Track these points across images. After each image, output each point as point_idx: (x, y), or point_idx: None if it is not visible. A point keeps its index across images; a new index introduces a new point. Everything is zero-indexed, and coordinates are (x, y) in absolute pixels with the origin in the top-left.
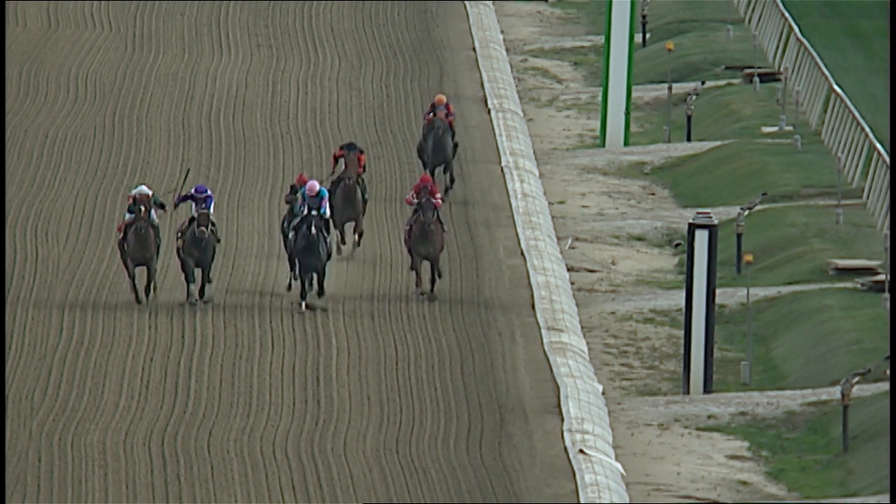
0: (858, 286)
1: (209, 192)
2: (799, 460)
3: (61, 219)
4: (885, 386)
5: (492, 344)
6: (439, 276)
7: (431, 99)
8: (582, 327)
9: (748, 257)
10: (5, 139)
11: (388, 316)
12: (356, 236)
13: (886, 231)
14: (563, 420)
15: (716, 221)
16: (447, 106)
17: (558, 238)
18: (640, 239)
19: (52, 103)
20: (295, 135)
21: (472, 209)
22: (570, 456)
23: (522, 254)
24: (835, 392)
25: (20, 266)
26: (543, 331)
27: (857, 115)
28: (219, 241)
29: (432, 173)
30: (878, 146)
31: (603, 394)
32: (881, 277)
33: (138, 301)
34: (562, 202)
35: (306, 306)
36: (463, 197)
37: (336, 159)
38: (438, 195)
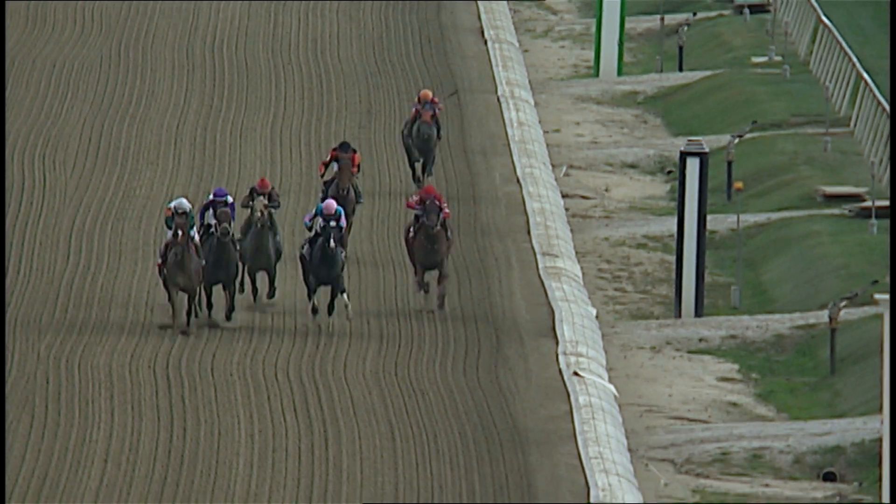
0: (846, 212)
1: (229, 195)
2: (787, 382)
3: (68, 147)
4: (872, 310)
5: (488, 269)
6: (444, 280)
7: (417, 93)
8: (576, 253)
9: (738, 184)
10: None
11: (388, 242)
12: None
13: (873, 158)
14: (557, 343)
15: (707, 149)
16: (433, 101)
17: (553, 165)
18: (633, 166)
19: (59, 34)
20: (296, 65)
21: (469, 138)
22: (565, 378)
23: (518, 181)
24: (823, 316)
25: (28, 193)
26: (539, 256)
27: (844, 45)
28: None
29: (413, 169)
30: (865, 76)
31: (597, 317)
32: (868, 204)
33: (177, 327)
34: (556, 130)
35: (315, 309)
36: (460, 126)
37: (326, 164)
38: (446, 204)
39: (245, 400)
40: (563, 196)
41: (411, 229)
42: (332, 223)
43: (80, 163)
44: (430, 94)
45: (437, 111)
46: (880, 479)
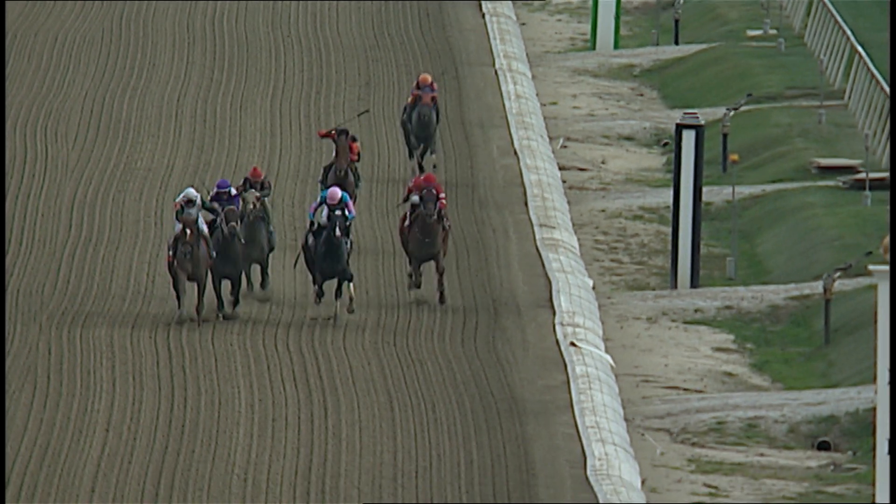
0: (840, 184)
1: (232, 187)
2: (782, 352)
3: (70, 119)
4: (866, 280)
5: (486, 240)
6: (441, 276)
7: (416, 77)
8: (573, 224)
9: (734, 156)
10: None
11: (386, 212)
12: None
13: (867, 131)
14: (554, 314)
15: (702, 122)
16: (432, 85)
17: (550, 138)
18: (629, 139)
19: (60, 7)
20: (296, 38)
21: (467, 110)
22: (562, 348)
23: (516, 153)
24: (817, 286)
25: (30, 165)
26: (536, 227)
27: (838, 18)
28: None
29: (411, 153)
30: (860, 49)
31: (593, 288)
32: (862, 176)
33: (180, 321)
34: (554, 103)
35: (320, 294)
36: (458, 99)
37: (324, 136)
38: (443, 195)
39: (245, 370)
40: (560, 168)
41: (407, 218)
42: (338, 212)
43: (81, 135)
44: (429, 77)
45: (434, 93)
46: (874, 448)
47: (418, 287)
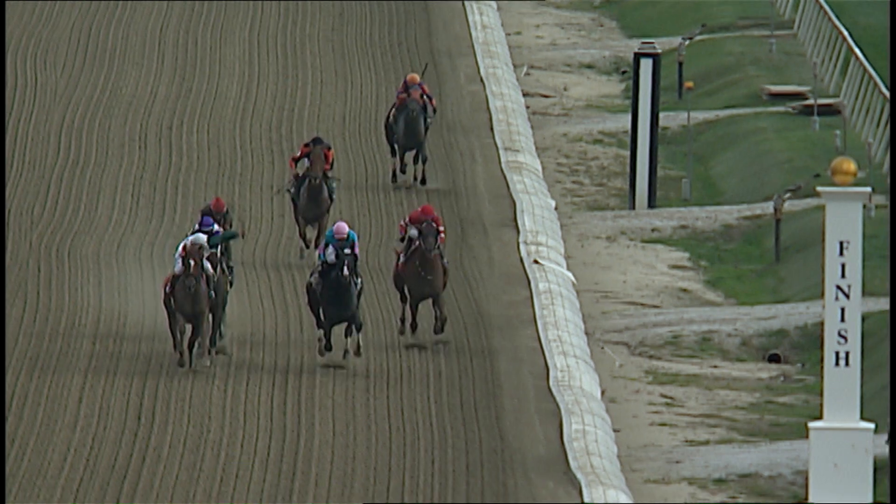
0: (790, 110)
1: (216, 225)
2: (735, 269)
3: (58, 48)
4: (815, 201)
5: (453, 163)
6: (443, 319)
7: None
8: (536, 148)
9: (689, 84)
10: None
11: (359, 135)
12: (321, 240)
13: (815, 59)
14: (518, 233)
15: (659, 51)
16: (421, 85)
17: (514, 66)
18: (589, 67)
19: None
20: None
21: (435, 40)
22: (526, 265)
23: (482, 80)
24: (768, 207)
25: (21, 91)
26: (501, 151)
27: None
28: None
29: (402, 157)
30: None
31: (555, 208)
32: (810, 102)
33: (181, 364)
34: (518, 33)
35: (326, 346)
36: (427, 29)
37: (297, 160)
38: (442, 228)
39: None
40: (524, 95)
41: (401, 256)
42: (347, 251)
43: (69, 63)
44: (416, 77)
45: (425, 93)
46: (822, 361)
47: (414, 330)
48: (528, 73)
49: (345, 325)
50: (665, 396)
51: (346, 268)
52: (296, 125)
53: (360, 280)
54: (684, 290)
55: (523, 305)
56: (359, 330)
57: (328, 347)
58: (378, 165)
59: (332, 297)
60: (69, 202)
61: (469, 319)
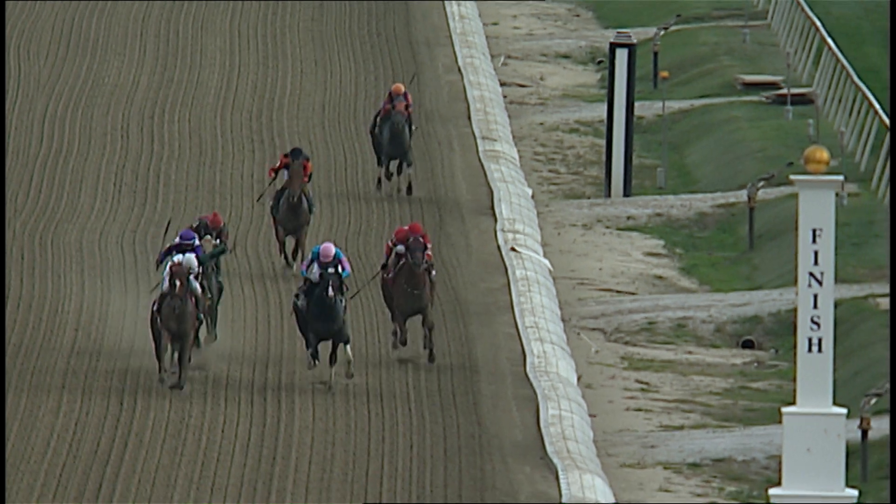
0: (763, 99)
1: (196, 239)
2: (709, 257)
3: (41, 38)
4: (788, 189)
5: (432, 152)
6: (430, 332)
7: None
8: (513, 137)
9: (664, 73)
10: None
11: (338, 124)
12: (297, 259)
13: (789, 49)
14: (496, 220)
15: (634, 41)
16: (405, 95)
17: (492, 56)
18: (566, 57)
19: None
20: None
21: (413, 30)
22: (503, 253)
23: (459, 70)
24: (742, 195)
25: (4, 81)
26: (479, 140)
27: None
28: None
29: (387, 166)
30: None
31: (532, 197)
32: (783, 91)
33: (161, 380)
34: (495, 23)
35: (314, 359)
36: (406, 19)
37: (276, 170)
38: (430, 244)
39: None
40: (501, 84)
41: (389, 271)
42: (331, 270)
43: (52, 53)
44: (402, 87)
45: (410, 104)
46: (795, 347)
47: (404, 344)
48: (505, 63)
49: (331, 343)
50: (640, 382)
51: (330, 287)
52: (276, 114)
53: (345, 299)
54: (659, 278)
55: (500, 292)
56: (346, 343)
57: (315, 357)
58: (357, 154)
59: (318, 314)
60: (52, 191)
61: (447, 306)
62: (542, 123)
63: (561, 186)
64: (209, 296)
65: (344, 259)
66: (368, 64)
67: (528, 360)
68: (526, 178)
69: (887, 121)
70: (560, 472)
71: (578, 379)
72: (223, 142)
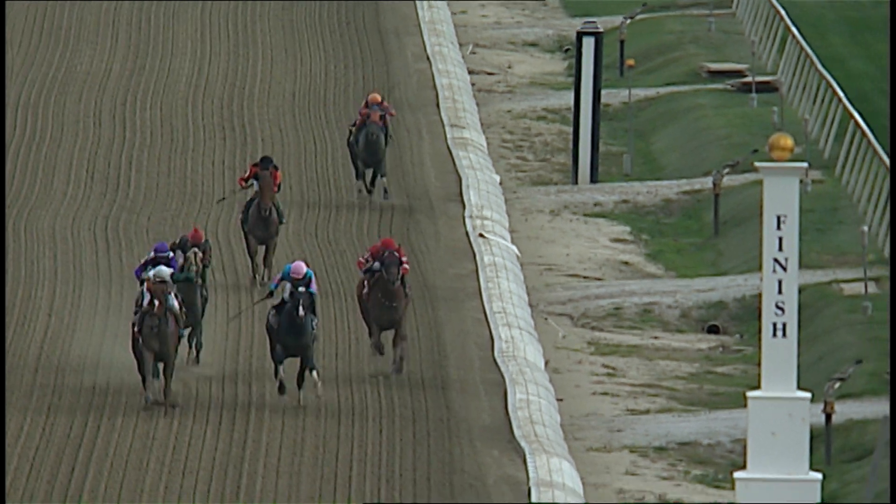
0: (728, 87)
1: (171, 252)
2: (675, 243)
3: (14, 26)
4: (752, 176)
5: (400, 140)
6: (399, 357)
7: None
8: (481, 124)
9: (630, 62)
10: None
11: (308, 112)
12: (266, 268)
13: (753, 38)
14: (464, 207)
15: (601, 29)
16: (382, 104)
17: (460, 44)
18: (533, 45)
19: None
20: None
21: (383, 19)
22: (471, 239)
23: (428, 58)
24: (707, 182)
25: None
26: (447, 127)
27: None
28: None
29: (364, 178)
30: None
31: (500, 184)
32: (748, 79)
33: (146, 400)
34: (463, 12)
35: (282, 386)
36: (375, 9)
37: (245, 180)
38: (406, 259)
39: None
40: (470, 72)
41: (365, 284)
42: (302, 288)
43: (24, 41)
44: (378, 97)
45: (387, 115)
46: (759, 332)
47: (381, 354)
48: (473, 52)
49: (298, 363)
50: (607, 367)
51: (301, 307)
52: (247, 102)
53: (315, 320)
54: (626, 263)
55: (469, 278)
56: (312, 370)
57: (281, 390)
58: (327, 141)
59: (287, 330)
60: (25, 177)
61: (416, 291)
62: (509, 111)
63: (528, 173)
64: (193, 310)
65: (313, 279)
66: (338, 52)
67: (496, 345)
68: (494, 165)
69: (851, 109)
70: (528, 456)
71: (546, 364)
72: (194, 129)
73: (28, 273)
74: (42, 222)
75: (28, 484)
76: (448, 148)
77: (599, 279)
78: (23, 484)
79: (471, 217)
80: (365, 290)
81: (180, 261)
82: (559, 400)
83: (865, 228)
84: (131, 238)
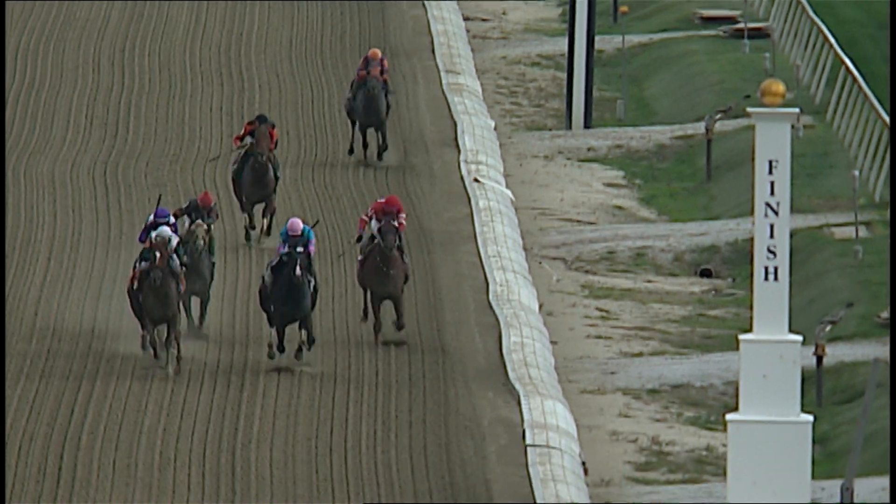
0: (721, 33)
1: (171, 216)
2: (668, 187)
3: None
4: (745, 121)
5: (396, 85)
6: (401, 324)
7: (365, 53)
8: (476, 70)
9: (623, 8)
10: None
11: (305, 59)
12: (266, 220)
13: None
14: (459, 152)
15: None
16: (382, 61)
17: None
18: None
19: None
20: None
21: None
22: (466, 184)
23: (423, 4)
24: (700, 127)
25: None
26: (442, 73)
27: None
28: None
29: (364, 135)
30: None
31: (495, 129)
32: (741, 25)
33: (157, 358)
34: None
35: (277, 348)
36: None
37: (241, 138)
38: (403, 215)
39: (175, 200)
40: (465, 18)
41: (364, 254)
42: (300, 249)
43: None
44: (378, 53)
45: (384, 74)
46: (751, 275)
47: (378, 330)
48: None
49: (296, 325)
50: (601, 310)
51: (298, 267)
52: (244, 49)
53: (313, 280)
54: (619, 208)
55: (464, 222)
56: (311, 343)
57: (280, 349)
58: (324, 89)
59: (284, 296)
60: (24, 123)
61: (411, 235)
62: (504, 57)
63: (523, 119)
64: (201, 277)
65: (311, 241)
66: None
67: (491, 288)
68: (488, 110)
69: (842, 55)
70: (522, 398)
71: (540, 307)
72: (192, 75)
73: (28, 217)
74: (41, 167)
75: (27, 426)
76: (443, 93)
77: (593, 223)
78: (22, 426)
79: (466, 162)
80: (361, 258)
81: (185, 226)
82: (553, 343)
83: (856, 173)
84: (130, 183)
